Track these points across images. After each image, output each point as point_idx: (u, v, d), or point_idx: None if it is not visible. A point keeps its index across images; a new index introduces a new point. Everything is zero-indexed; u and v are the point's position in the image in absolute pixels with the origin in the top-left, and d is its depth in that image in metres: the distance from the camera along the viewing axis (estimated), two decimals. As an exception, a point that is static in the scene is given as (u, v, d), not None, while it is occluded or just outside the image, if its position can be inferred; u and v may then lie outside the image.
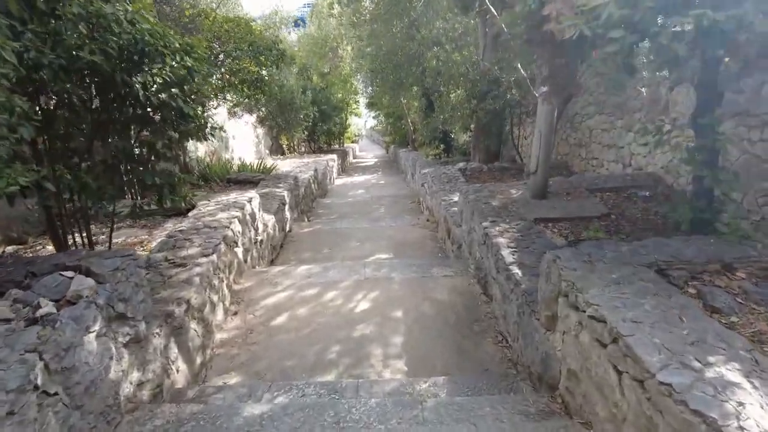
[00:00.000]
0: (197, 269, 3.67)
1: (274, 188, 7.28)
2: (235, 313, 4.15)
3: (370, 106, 28.39)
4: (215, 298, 3.82)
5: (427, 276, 4.68)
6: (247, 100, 7.91)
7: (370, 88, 30.25)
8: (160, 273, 3.61)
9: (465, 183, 7.31)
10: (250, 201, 5.17)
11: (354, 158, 26.35)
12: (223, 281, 4.08)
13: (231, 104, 7.73)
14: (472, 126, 8.53)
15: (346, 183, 14.84)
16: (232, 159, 11.81)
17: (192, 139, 4.03)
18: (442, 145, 11.68)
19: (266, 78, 6.32)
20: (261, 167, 9.33)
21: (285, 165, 12.34)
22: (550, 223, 4.45)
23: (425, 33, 9.03)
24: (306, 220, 8.68)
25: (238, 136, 12.64)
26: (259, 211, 5.54)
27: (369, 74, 9.78)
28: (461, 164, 8.07)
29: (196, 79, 3.62)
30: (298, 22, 21.87)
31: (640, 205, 4.85)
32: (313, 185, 10.13)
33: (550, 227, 4.37)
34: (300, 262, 6.02)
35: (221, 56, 6.31)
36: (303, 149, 19.30)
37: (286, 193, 7.10)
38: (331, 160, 15.03)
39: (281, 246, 6.61)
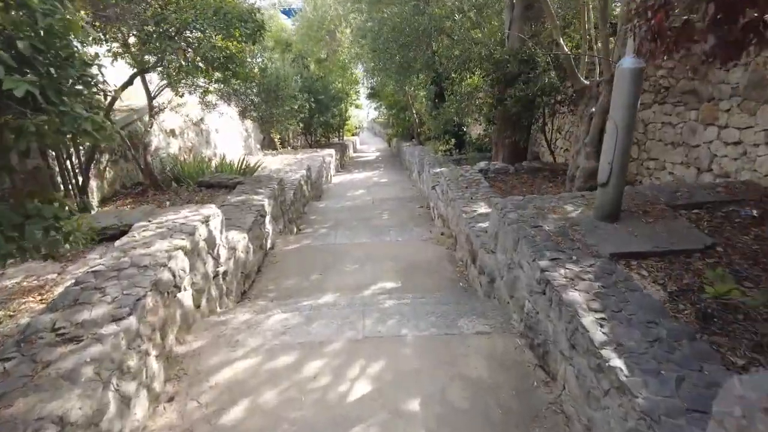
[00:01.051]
0: (95, 348, 2.29)
1: (253, 195, 5.89)
2: (171, 399, 2.77)
3: (372, 96, 26.95)
4: (131, 387, 2.45)
5: (453, 333, 3.29)
6: (217, 85, 6.49)
7: (372, 79, 28.80)
8: (33, 359, 2.24)
9: (489, 188, 5.91)
10: (206, 221, 3.77)
11: (354, 152, 24.90)
12: (149, 354, 2.70)
13: (202, 91, 6.29)
14: (492, 117, 7.10)
15: (344, 181, 13.42)
16: (215, 156, 10.40)
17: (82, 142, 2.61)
18: (453, 140, 10.26)
19: (239, 56, 4.88)
20: (242, 166, 7.92)
21: (274, 162, 10.92)
22: (635, 259, 3.06)
23: (437, 6, 7.56)
24: (295, 231, 7.28)
25: (223, 129, 11.22)
26: (222, 232, 4.15)
27: (371, 57, 8.30)
28: (482, 164, 6.67)
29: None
30: (292, 12, 20.35)
31: (750, 230, 3.45)
32: (305, 187, 8.73)
33: (635, 267, 2.97)
34: (280, 294, 4.64)
35: (181, 28, 4.87)
36: (299, 143, 17.86)
37: (266, 202, 5.70)
38: (329, 155, 13.60)
39: (259, 270, 5.23)
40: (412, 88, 10.80)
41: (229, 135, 11.68)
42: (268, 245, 5.72)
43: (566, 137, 7.42)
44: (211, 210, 3.93)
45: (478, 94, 8.52)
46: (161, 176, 7.70)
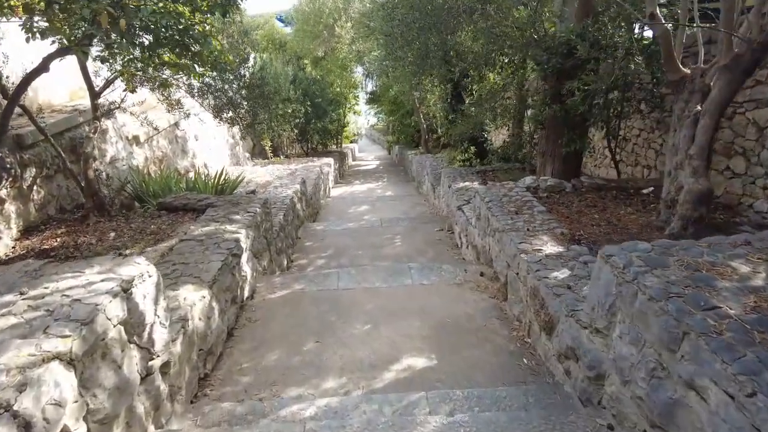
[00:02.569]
0: None
1: (226, 224, 4.34)
2: None
3: (372, 101, 25.55)
4: None
5: None
6: (182, 76, 4.95)
7: (374, 79, 27.38)
8: None
9: (547, 213, 4.38)
10: (125, 291, 2.20)
11: (353, 161, 23.40)
12: None
13: (157, 84, 4.75)
14: (543, 119, 5.55)
15: (344, 195, 11.87)
16: (193, 167, 8.85)
17: None
18: (472, 148, 8.74)
19: (201, 29, 3.34)
20: (220, 181, 6.37)
21: (263, 174, 9.38)
22: None
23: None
24: (284, 265, 5.73)
25: (204, 136, 9.68)
26: (160, 299, 2.57)
27: (381, 44, 6.79)
28: (528, 180, 5.14)
29: None
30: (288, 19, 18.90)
31: None
32: (298, 206, 7.18)
33: None
34: (257, 380, 3.08)
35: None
36: (294, 151, 16.34)
37: (243, 234, 4.16)
38: (326, 165, 12.07)
39: (230, 334, 3.66)
40: (428, 85, 9.29)
41: (211, 142, 10.14)
42: (246, 294, 4.15)
43: (637, 145, 5.91)
44: (138, 268, 2.37)
45: (505, 93, 7.03)
46: (118, 195, 6.15)
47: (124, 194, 6.36)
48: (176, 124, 8.34)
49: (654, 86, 4.38)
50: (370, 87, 27.42)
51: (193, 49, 3.45)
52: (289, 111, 12.74)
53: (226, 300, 3.61)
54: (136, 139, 6.85)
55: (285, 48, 17.71)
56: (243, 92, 5.62)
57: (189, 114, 5.54)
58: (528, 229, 4.07)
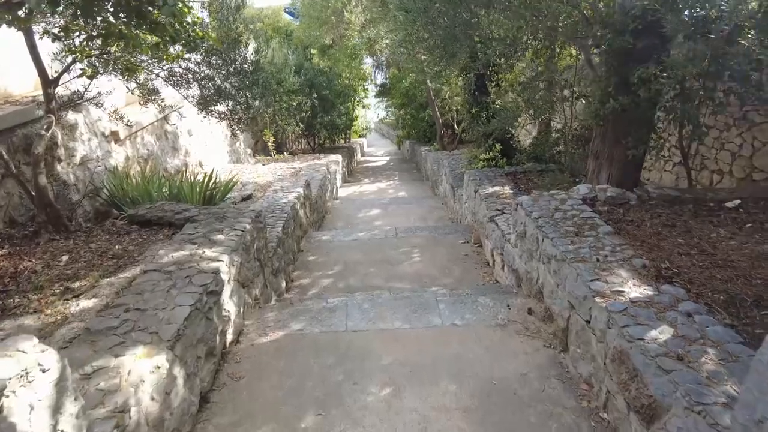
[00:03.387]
0: None
1: (204, 247, 3.41)
2: None
3: (381, 94, 24.53)
4: None
5: None
6: (151, 60, 3.99)
7: (382, 73, 26.31)
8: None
9: (614, 235, 3.39)
10: None
11: (362, 156, 22.42)
12: None
13: (122, 68, 3.80)
14: (604, 113, 4.49)
15: (353, 196, 10.91)
16: (186, 167, 7.95)
17: None
18: (498, 146, 7.74)
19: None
20: (209, 185, 5.42)
21: (264, 174, 8.46)
22: None
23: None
24: (282, 287, 4.80)
25: (199, 131, 8.76)
26: (60, 409, 1.64)
27: (400, 23, 5.79)
28: (583, 188, 4.13)
29: None
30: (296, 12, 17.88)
31: None
32: (301, 212, 6.24)
33: None
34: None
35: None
36: (300, 147, 15.40)
37: (225, 261, 3.23)
38: (334, 162, 11.12)
39: (204, 402, 2.74)
40: (447, 75, 8.26)
41: (208, 138, 9.22)
42: (229, 338, 3.22)
43: (705, 145, 4.90)
44: (21, 361, 1.43)
45: (538, 83, 6.03)
46: (92, 202, 5.27)
47: (98, 201, 5.47)
48: (165, 118, 7.42)
49: (754, 70, 3.36)
50: (380, 79, 26.43)
51: (151, 16, 2.50)
52: (294, 104, 11.81)
53: (198, 356, 2.68)
54: (114, 135, 5.93)
55: (291, 38, 16.72)
56: (233, 80, 4.66)
57: (168, 108, 4.59)
58: (598, 259, 3.09)
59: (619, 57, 3.82)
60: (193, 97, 4.67)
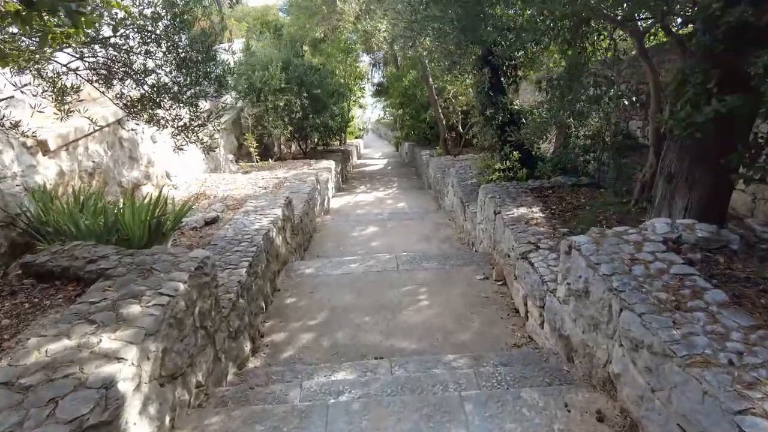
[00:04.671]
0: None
1: (106, 327, 2.18)
2: None
3: (378, 93, 23.38)
4: None
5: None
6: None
7: (380, 71, 25.11)
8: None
9: (731, 305, 2.17)
10: None
11: (358, 158, 21.21)
12: None
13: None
14: (701, 122, 3.27)
15: (347, 209, 9.68)
16: (149, 179, 6.72)
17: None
18: (516, 153, 6.53)
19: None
20: (155, 211, 4.14)
21: (242, 186, 7.26)
22: None
23: None
24: (246, 352, 3.55)
25: (167, 136, 7.50)
26: None
27: (404, 6, 4.56)
28: (659, 226, 2.91)
29: None
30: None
31: None
32: (278, 239, 5.00)
33: None
34: None
35: None
36: (292, 150, 14.16)
37: (129, 360, 2.01)
38: (326, 170, 9.89)
39: None
40: (453, 73, 7.04)
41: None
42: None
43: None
44: None
45: (583, 78, 4.83)
46: (6, 232, 4.06)
47: (14, 231, 4.24)
48: (119, 122, 6.18)
49: None
50: (377, 78, 25.27)
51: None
52: (281, 104, 10.58)
53: None
54: (42, 146, 4.69)
55: (281, 33, 15.48)
56: (174, 74, 3.42)
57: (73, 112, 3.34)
58: (731, 361, 1.88)
59: (729, 38, 2.60)
60: (120, 96, 3.43)
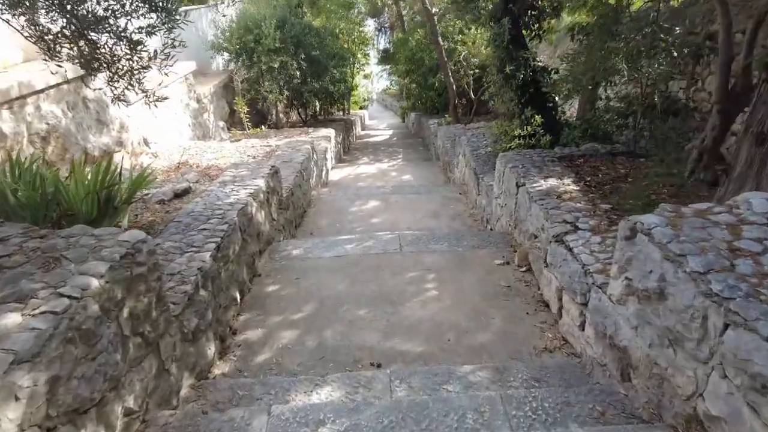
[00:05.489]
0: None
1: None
2: None
3: (384, 60, 22.33)
4: None
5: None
6: None
7: (385, 36, 23.88)
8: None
9: None
10: None
11: (362, 129, 20.26)
12: None
13: None
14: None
15: (347, 181, 8.90)
16: (121, 145, 5.95)
17: None
18: (538, 117, 5.67)
19: None
20: (105, 181, 3.37)
21: (228, 155, 6.49)
22: None
23: None
24: (210, 356, 2.82)
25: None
26: None
27: None
28: (759, 201, 2.12)
29: None
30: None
31: None
32: (259, 215, 4.22)
33: None
34: None
35: None
36: (292, 118, 13.29)
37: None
38: (325, 139, 9.07)
39: None
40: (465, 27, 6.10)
41: (162, 109, 7.12)
42: None
43: None
44: None
45: (625, 23, 3.96)
46: None
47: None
48: (83, 79, 5.36)
49: None
50: (382, 44, 24.10)
51: None
52: (276, 66, 9.66)
53: None
54: (-25, 100, 3.91)
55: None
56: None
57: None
58: None
59: None
60: (34, 27, 2.62)
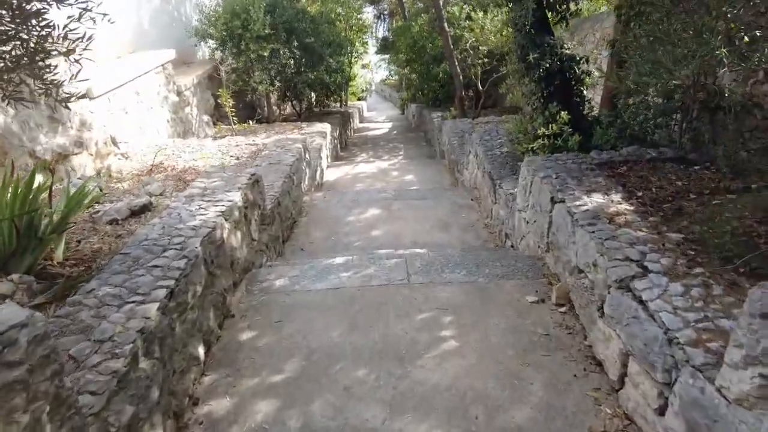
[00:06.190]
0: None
1: None
2: None
3: (383, 49, 21.48)
4: None
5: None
6: None
7: (384, 24, 22.92)
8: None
9: None
10: None
11: (361, 122, 19.43)
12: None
13: None
14: None
15: (344, 182, 8.10)
16: (83, 147, 5.16)
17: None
18: (564, 114, 4.87)
19: None
20: (25, 204, 2.58)
21: (209, 156, 5.73)
22: None
23: None
24: None
25: (114, 90, 5.86)
26: None
27: None
28: None
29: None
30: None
31: None
32: (235, 238, 3.44)
33: None
34: None
35: None
36: (286, 111, 12.46)
37: None
38: (319, 134, 8.27)
39: None
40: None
41: (129, 101, 6.31)
42: None
43: None
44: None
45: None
46: None
47: None
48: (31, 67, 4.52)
49: None
50: (381, 32, 23.18)
51: None
52: (266, 54, 8.82)
53: None
54: None
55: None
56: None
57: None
58: None
59: None
60: None
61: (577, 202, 3.13)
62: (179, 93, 7.83)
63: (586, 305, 2.76)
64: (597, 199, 3.19)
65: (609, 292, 2.43)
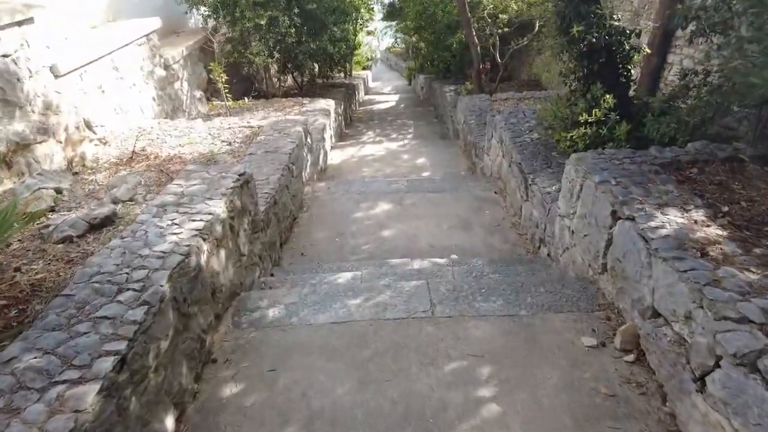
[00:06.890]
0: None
1: None
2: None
3: (389, 16, 20.22)
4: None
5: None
6: None
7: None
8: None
9: None
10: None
11: (366, 93, 18.48)
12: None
13: None
14: None
15: (349, 166, 7.39)
16: (49, 133, 4.46)
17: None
18: (609, 98, 4.10)
19: None
20: None
21: (197, 141, 5.05)
22: None
23: None
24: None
25: (86, 65, 5.10)
26: None
27: None
28: None
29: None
30: None
31: None
32: (217, 261, 2.79)
33: None
34: None
35: None
36: (285, 84, 11.59)
37: None
38: (322, 113, 7.51)
39: None
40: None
41: (105, 77, 5.55)
42: None
43: None
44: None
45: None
46: None
47: None
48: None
49: None
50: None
51: None
52: (263, 22, 7.95)
53: None
54: None
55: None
56: None
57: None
58: None
59: None
60: None
61: (651, 223, 2.44)
62: (167, 67, 7.04)
63: (671, 365, 2.11)
64: (675, 217, 2.50)
65: (720, 366, 1.77)
